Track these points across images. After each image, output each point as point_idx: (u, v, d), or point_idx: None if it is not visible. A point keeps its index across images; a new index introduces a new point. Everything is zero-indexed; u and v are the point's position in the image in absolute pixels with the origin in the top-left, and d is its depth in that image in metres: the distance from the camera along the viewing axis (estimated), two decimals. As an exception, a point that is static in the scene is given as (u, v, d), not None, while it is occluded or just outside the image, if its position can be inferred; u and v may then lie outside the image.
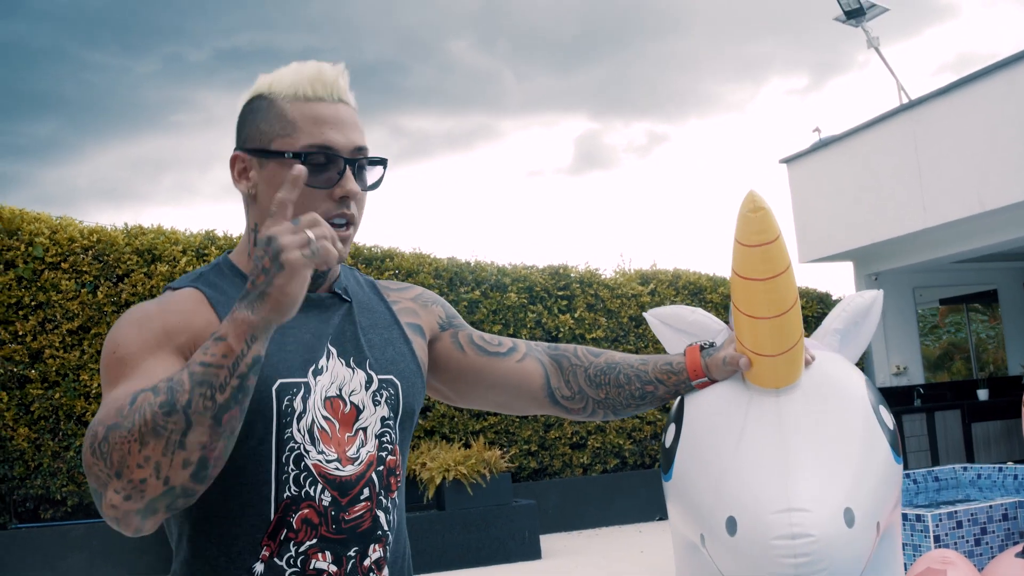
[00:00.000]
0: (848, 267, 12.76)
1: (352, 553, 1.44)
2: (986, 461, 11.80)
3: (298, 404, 1.43)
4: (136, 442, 1.18)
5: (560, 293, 10.66)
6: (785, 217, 12.48)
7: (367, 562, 1.46)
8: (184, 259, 8.72)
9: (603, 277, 11.07)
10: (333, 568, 1.42)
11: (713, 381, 1.71)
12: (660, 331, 1.95)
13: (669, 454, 1.72)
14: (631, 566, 7.77)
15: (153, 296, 8.47)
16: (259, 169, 1.48)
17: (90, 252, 8.49)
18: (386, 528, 1.49)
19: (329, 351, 1.50)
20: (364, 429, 1.49)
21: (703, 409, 1.66)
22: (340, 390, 1.48)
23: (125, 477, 1.19)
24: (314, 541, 1.41)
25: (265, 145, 1.47)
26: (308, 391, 1.44)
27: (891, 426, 1.64)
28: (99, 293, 8.39)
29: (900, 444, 1.63)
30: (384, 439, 1.51)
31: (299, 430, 1.42)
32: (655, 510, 10.19)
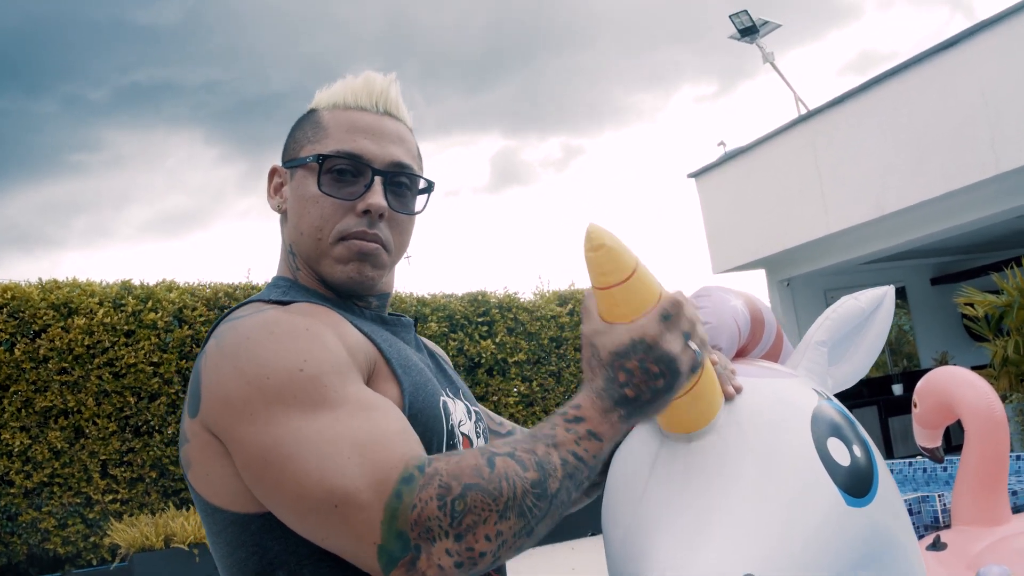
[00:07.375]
0: (760, 275, 13.08)
1: None
2: (904, 454, 12.17)
3: (453, 427, 1.31)
4: (496, 513, 1.04)
5: (480, 319, 10.78)
6: (696, 229, 12.78)
7: None
8: (101, 311, 8.65)
9: (522, 300, 11.23)
10: None
11: None
12: None
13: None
14: (563, 586, 7.76)
15: (72, 351, 8.43)
16: (290, 181, 1.36)
17: (4, 309, 8.40)
18: None
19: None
20: None
21: (620, 455, 1.40)
22: (458, 423, 1.35)
23: (465, 543, 1.04)
24: None
25: (295, 154, 1.35)
26: (449, 415, 1.32)
27: (846, 462, 1.35)
28: (16, 350, 8.30)
29: (870, 480, 1.36)
30: None
31: None
32: (588, 525, 10.21)
